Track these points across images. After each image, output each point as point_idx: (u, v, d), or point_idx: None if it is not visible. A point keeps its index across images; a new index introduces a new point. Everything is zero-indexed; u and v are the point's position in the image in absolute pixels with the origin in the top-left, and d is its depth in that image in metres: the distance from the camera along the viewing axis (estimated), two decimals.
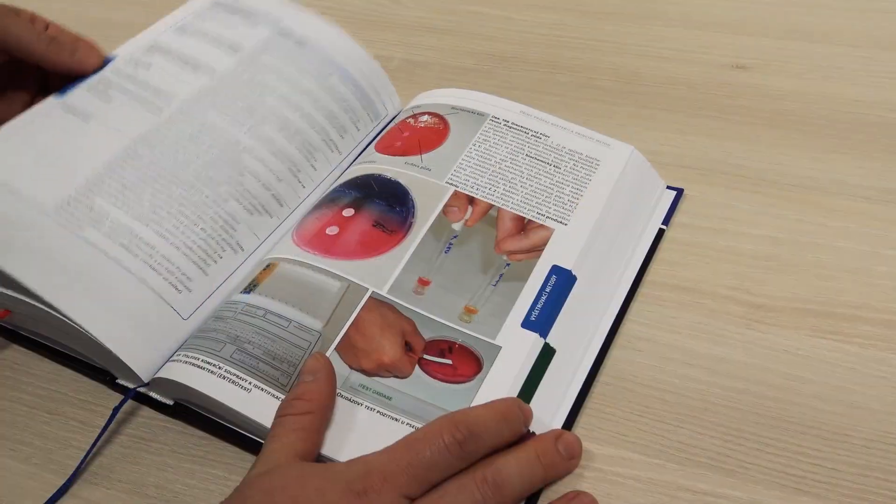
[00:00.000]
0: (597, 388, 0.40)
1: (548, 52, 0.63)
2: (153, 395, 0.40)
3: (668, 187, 0.50)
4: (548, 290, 0.41)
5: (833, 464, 0.37)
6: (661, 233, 0.47)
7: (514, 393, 0.38)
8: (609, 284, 0.44)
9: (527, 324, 0.40)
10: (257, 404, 0.36)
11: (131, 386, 0.40)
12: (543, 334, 0.40)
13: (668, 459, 0.37)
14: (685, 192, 0.49)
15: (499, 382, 0.38)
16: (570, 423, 0.38)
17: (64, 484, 0.37)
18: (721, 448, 0.37)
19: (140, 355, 0.39)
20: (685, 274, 0.45)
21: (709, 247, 0.46)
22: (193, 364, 0.37)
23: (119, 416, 0.40)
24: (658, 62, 0.61)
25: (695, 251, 0.46)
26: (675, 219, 0.48)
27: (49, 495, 0.37)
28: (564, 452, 0.36)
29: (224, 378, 0.37)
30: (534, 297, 0.41)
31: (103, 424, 0.39)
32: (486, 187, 0.46)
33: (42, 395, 0.41)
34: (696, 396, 0.39)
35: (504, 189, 0.46)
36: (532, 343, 0.39)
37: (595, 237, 0.44)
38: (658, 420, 0.38)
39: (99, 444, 0.39)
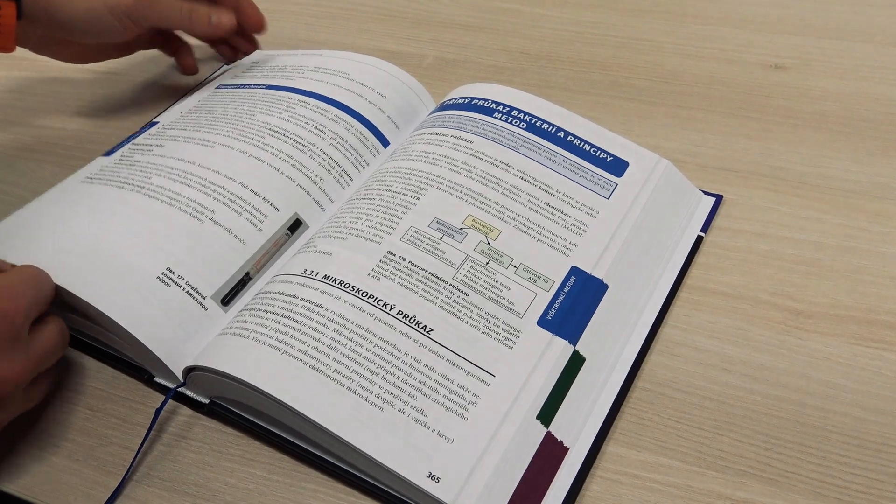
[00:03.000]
0: (634, 394, 0.40)
1: (583, 51, 0.63)
2: (189, 393, 0.40)
3: (707, 193, 0.49)
4: (566, 290, 0.41)
5: (875, 474, 0.36)
6: (699, 240, 0.47)
7: (539, 400, 0.38)
8: (643, 292, 0.44)
9: (543, 322, 0.40)
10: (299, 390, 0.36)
11: (169, 385, 0.41)
12: (573, 341, 0.40)
13: (708, 467, 0.37)
14: (724, 196, 0.49)
15: (515, 378, 0.38)
16: (605, 430, 0.38)
17: (118, 487, 0.37)
18: (761, 456, 0.37)
19: (176, 352, 0.40)
20: (725, 279, 0.44)
21: (749, 251, 0.46)
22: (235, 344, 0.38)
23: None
24: (696, 61, 0.60)
25: (734, 255, 0.46)
26: (715, 223, 0.48)
27: (92, 491, 0.37)
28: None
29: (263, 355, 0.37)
30: (551, 295, 0.41)
31: (143, 422, 0.39)
32: (511, 189, 0.46)
33: (83, 392, 0.42)
34: (735, 403, 0.39)
35: (527, 194, 0.46)
36: (561, 350, 0.39)
37: (622, 244, 0.44)
38: (697, 427, 0.38)
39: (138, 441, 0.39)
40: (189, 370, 0.39)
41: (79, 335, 0.44)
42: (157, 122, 0.53)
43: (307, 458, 0.38)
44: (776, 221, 0.47)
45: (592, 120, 0.50)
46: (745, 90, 0.57)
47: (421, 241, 0.42)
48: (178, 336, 0.40)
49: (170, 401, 0.41)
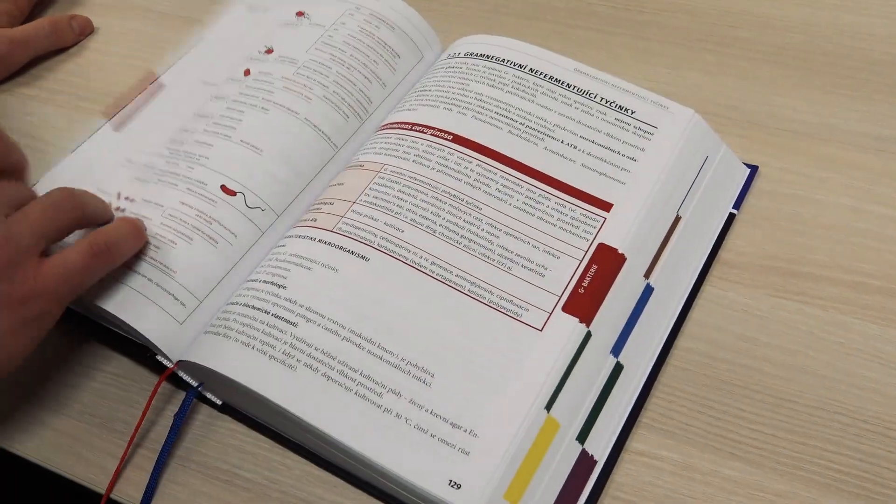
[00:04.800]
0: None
1: None
2: (207, 394, 0.39)
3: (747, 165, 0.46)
4: (593, 270, 0.40)
5: (772, 430, 0.37)
6: (731, 218, 0.44)
7: (581, 420, 0.36)
8: (679, 287, 0.41)
9: (569, 308, 0.38)
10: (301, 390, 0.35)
11: (190, 381, 0.39)
12: (617, 353, 0.38)
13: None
14: None
15: (540, 367, 0.37)
16: (626, 432, 0.37)
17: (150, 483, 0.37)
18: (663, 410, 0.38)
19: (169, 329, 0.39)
20: None
21: None
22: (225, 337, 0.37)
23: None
24: None
25: None
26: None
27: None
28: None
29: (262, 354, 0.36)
30: (577, 275, 0.39)
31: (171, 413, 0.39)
32: (533, 156, 0.43)
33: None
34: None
35: (557, 158, 0.43)
36: (609, 364, 0.38)
37: (670, 250, 0.41)
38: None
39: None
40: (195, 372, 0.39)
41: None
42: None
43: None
44: None
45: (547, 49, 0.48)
46: (709, 19, 0.55)
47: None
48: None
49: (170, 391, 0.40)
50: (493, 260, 0.39)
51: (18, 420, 0.39)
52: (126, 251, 0.39)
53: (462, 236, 0.40)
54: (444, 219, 0.41)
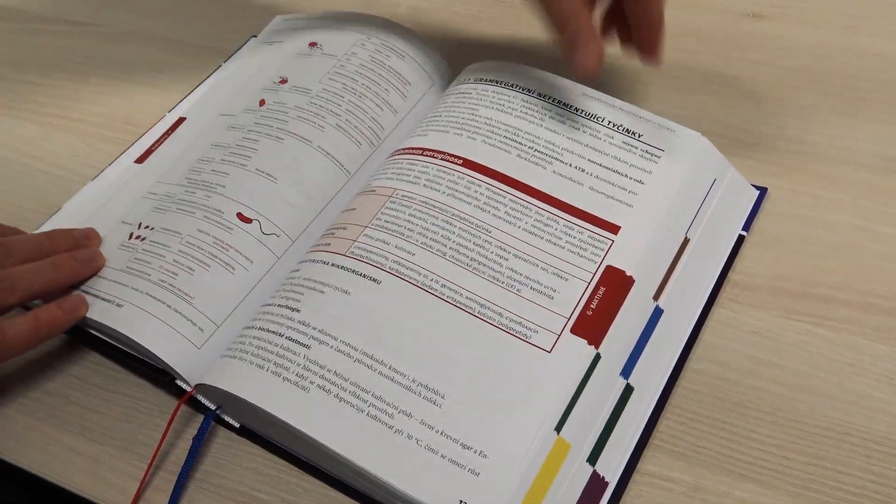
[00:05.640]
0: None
1: None
2: (226, 417, 0.40)
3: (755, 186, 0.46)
4: (601, 292, 0.40)
5: (784, 451, 0.37)
6: (740, 240, 0.44)
7: (591, 442, 0.37)
8: (691, 308, 0.42)
9: (577, 330, 0.39)
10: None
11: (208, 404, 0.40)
12: (627, 375, 0.39)
13: None
14: None
15: (550, 389, 0.37)
16: (637, 454, 0.38)
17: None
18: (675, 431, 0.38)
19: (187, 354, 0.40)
20: None
21: None
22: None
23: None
24: (672, 10, 0.58)
25: None
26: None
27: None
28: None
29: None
30: (585, 297, 0.40)
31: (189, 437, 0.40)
32: (542, 179, 0.44)
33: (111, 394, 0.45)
34: None
35: (565, 181, 0.44)
36: (619, 386, 0.38)
37: (681, 270, 0.42)
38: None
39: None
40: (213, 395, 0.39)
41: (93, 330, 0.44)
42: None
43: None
44: None
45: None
46: (718, 41, 0.55)
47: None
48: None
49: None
50: (503, 282, 0.40)
51: (41, 442, 0.40)
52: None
53: (472, 259, 0.41)
54: (454, 242, 0.41)
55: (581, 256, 0.41)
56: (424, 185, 0.43)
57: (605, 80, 0.54)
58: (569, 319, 0.39)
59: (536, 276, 0.40)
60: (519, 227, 0.42)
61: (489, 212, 0.42)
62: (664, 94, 0.53)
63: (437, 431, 0.36)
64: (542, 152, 0.45)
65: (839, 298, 0.41)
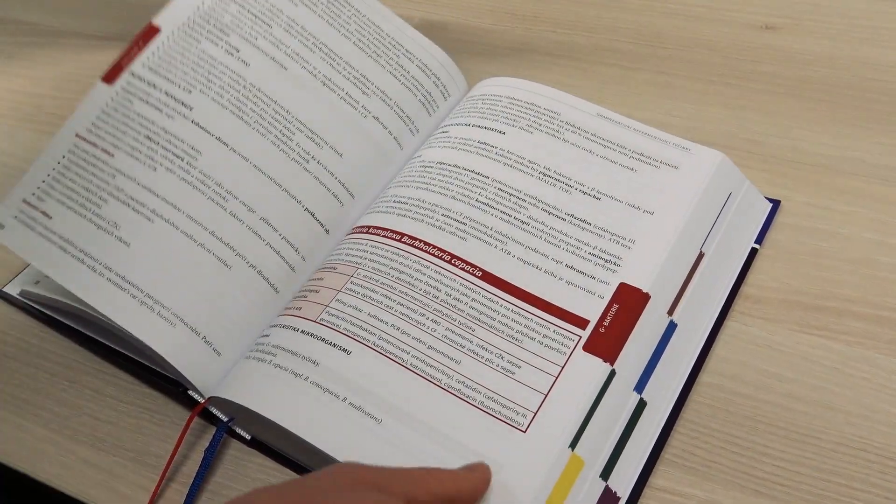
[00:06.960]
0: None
1: (569, 10, 0.61)
2: (237, 429, 0.40)
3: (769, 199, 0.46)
4: (613, 311, 0.40)
5: (797, 466, 0.37)
6: (753, 253, 0.44)
7: (604, 459, 0.36)
8: (703, 322, 0.42)
9: (590, 347, 0.39)
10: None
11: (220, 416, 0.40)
12: (640, 390, 0.39)
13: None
14: None
15: (565, 406, 0.37)
16: (648, 468, 0.37)
17: None
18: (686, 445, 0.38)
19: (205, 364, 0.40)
20: None
21: None
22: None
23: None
24: (684, 21, 0.59)
25: None
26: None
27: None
28: None
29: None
30: (599, 314, 0.40)
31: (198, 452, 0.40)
32: (552, 197, 0.44)
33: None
34: None
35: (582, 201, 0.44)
36: (633, 401, 0.38)
37: (694, 286, 0.42)
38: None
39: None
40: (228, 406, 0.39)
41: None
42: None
43: None
44: None
45: (565, 88, 0.49)
46: (731, 53, 0.55)
47: None
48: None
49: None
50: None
51: (55, 454, 0.41)
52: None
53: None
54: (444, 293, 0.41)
55: (592, 278, 0.41)
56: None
57: (619, 92, 0.54)
58: (581, 337, 0.39)
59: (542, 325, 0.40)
60: (531, 240, 0.42)
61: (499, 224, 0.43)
62: (678, 106, 0.52)
63: (450, 449, 0.36)
64: (561, 175, 0.45)
65: (853, 312, 0.41)
